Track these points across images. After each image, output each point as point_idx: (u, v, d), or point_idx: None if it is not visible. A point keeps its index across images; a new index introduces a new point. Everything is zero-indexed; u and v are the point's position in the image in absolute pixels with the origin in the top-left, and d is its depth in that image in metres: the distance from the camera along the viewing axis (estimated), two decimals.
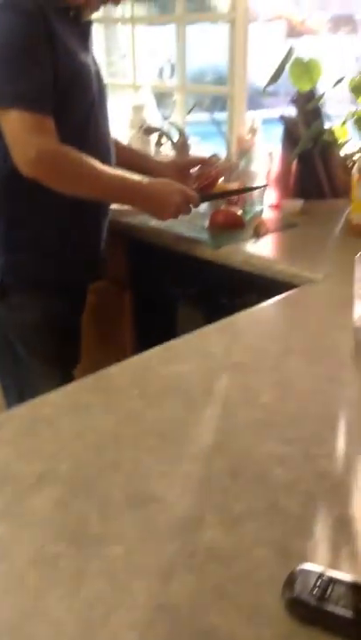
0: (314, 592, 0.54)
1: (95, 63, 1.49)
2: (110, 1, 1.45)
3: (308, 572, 0.56)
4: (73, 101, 1.40)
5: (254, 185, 1.83)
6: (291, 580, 0.55)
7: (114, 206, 1.80)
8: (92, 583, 0.57)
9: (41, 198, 1.41)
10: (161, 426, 0.80)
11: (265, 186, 1.80)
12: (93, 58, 1.50)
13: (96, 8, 1.46)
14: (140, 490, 0.68)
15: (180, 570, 0.58)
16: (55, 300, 1.58)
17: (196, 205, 1.57)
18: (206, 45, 2.99)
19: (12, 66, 1.29)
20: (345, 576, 0.55)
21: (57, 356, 1.65)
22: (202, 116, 2.31)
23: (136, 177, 1.50)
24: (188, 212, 1.54)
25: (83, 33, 1.44)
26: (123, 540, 0.62)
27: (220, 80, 2.31)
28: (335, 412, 0.84)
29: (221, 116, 2.34)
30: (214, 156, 2.25)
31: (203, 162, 1.77)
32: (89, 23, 1.47)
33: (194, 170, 1.75)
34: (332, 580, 0.54)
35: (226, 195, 1.74)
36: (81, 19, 1.43)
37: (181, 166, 1.75)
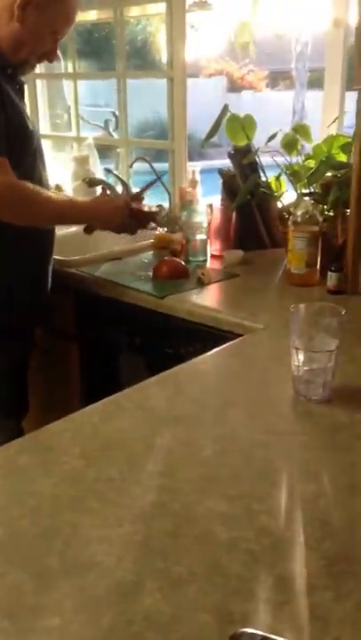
0: None
1: (30, 120, 1.53)
2: (45, 58, 1.49)
3: (248, 636, 0.55)
4: (19, 153, 1.42)
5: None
6: None
7: (60, 257, 1.82)
8: None
9: None
10: (101, 486, 0.79)
11: (158, 179, 1.93)
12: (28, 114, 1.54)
13: (33, 66, 1.51)
14: (77, 556, 0.67)
15: None
16: (2, 346, 1.56)
17: (130, 204, 1.69)
18: (150, 96, 3.09)
19: None
20: None
21: (7, 405, 1.63)
22: (146, 166, 2.36)
23: (81, 198, 1.65)
24: (126, 216, 1.67)
25: (19, 90, 1.48)
26: (59, 611, 0.60)
27: (165, 129, 2.37)
28: (275, 464, 0.84)
29: (165, 166, 2.40)
30: (159, 206, 2.30)
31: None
32: (22, 82, 1.52)
33: None
34: None
35: (143, 190, 1.81)
36: (17, 77, 1.47)
37: None
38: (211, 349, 1.48)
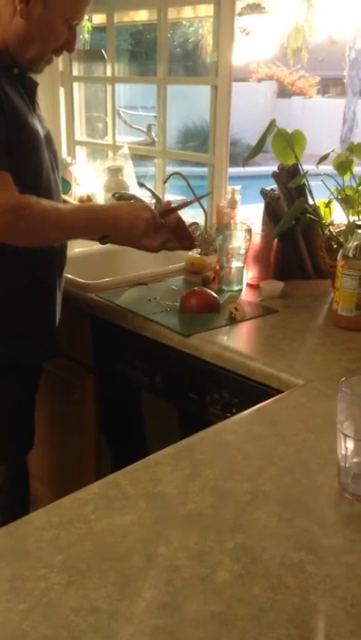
0: None
1: (44, 126, 1.36)
2: (63, 50, 1.32)
3: None
4: (21, 166, 1.25)
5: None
6: None
7: (78, 279, 1.66)
8: None
9: None
10: (82, 621, 0.61)
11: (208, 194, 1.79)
12: (42, 120, 1.37)
13: (50, 61, 1.33)
14: None
15: None
16: (3, 383, 1.40)
17: (159, 221, 1.45)
18: (196, 100, 2.90)
19: None
20: None
21: (2, 448, 1.47)
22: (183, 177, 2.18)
23: (97, 204, 1.39)
24: (151, 230, 1.42)
25: (28, 94, 1.31)
26: None
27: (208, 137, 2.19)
28: (312, 601, 0.65)
29: (203, 171, 2.21)
30: (194, 224, 2.12)
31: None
32: (35, 84, 1.35)
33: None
34: None
35: (179, 207, 1.59)
36: (26, 78, 1.31)
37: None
38: (239, 400, 1.29)
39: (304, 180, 1.59)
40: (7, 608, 0.63)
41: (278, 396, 1.13)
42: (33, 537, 0.73)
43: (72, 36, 1.29)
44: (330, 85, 15.35)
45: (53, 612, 0.62)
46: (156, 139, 2.83)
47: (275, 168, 1.74)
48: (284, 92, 14.35)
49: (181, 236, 1.56)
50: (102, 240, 1.50)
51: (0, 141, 1.18)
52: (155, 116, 2.83)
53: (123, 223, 1.39)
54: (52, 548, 0.71)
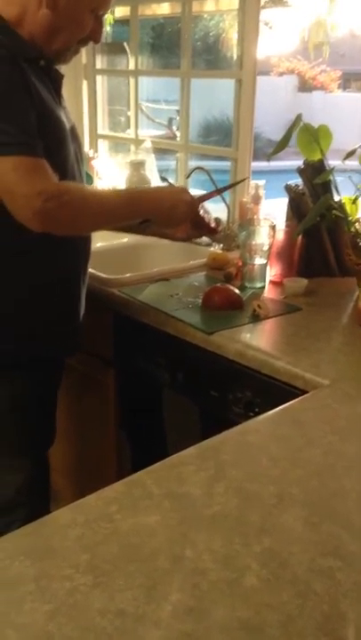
0: None
1: (69, 119, 1.35)
2: (89, 40, 1.31)
3: None
4: (48, 158, 1.24)
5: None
6: None
7: (100, 274, 1.65)
8: None
9: (12, 264, 1.28)
10: (108, 624, 0.60)
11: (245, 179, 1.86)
12: (67, 113, 1.36)
13: (76, 51, 1.33)
14: None
15: None
16: (26, 379, 1.40)
17: (197, 207, 1.45)
18: (219, 93, 2.87)
19: None
20: None
21: (25, 444, 1.46)
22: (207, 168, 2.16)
23: (137, 187, 1.40)
24: (191, 213, 1.42)
25: (54, 87, 1.30)
26: None
27: (231, 131, 2.16)
28: (341, 610, 0.63)
29: (226, 165, 2.20)
30: (216, 219, 2.10)
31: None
32: (60, 76, 1.34)
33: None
34: None
35: (215, 193, 1.59)
36: (51, 70, 1.30)
37: None
38: (262, 399, 1.28)
39: (330, 175, 1.57)
40: (33, 608, 0.62)
41: (303, 396, 1.11)
42: (58, 535, 0.73)
43: (98, 26, 1.29)
44: (351, 80, 15.17)
45: (79, 614, 0.62)
46: (177, 132, 2.81)
47: (297, 162, 1.72)
48: (305, 86, 14.21)
49: (200, 226, 1.54)
50: (142, 225, 1.47)
51: (34, 129, 1.17)
52: (177, 110, 2.82)
53: (165, 205, 1.37)
54: (78, 547, 0.71)
